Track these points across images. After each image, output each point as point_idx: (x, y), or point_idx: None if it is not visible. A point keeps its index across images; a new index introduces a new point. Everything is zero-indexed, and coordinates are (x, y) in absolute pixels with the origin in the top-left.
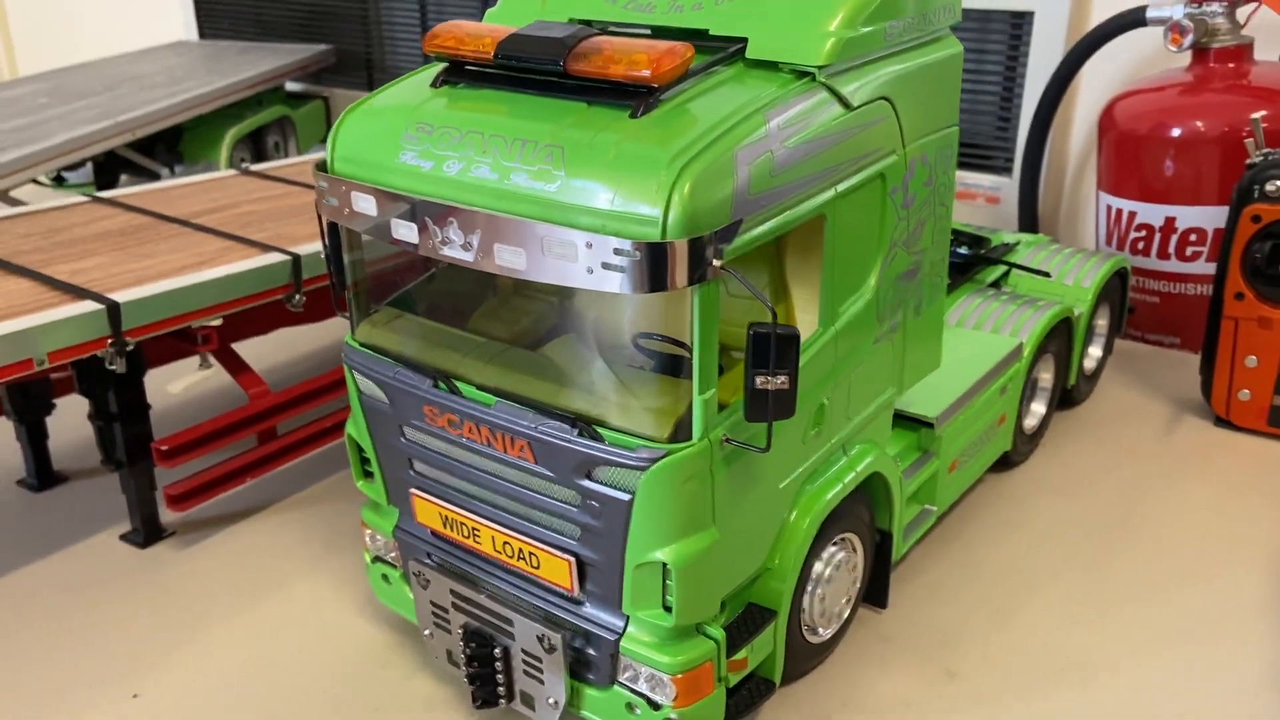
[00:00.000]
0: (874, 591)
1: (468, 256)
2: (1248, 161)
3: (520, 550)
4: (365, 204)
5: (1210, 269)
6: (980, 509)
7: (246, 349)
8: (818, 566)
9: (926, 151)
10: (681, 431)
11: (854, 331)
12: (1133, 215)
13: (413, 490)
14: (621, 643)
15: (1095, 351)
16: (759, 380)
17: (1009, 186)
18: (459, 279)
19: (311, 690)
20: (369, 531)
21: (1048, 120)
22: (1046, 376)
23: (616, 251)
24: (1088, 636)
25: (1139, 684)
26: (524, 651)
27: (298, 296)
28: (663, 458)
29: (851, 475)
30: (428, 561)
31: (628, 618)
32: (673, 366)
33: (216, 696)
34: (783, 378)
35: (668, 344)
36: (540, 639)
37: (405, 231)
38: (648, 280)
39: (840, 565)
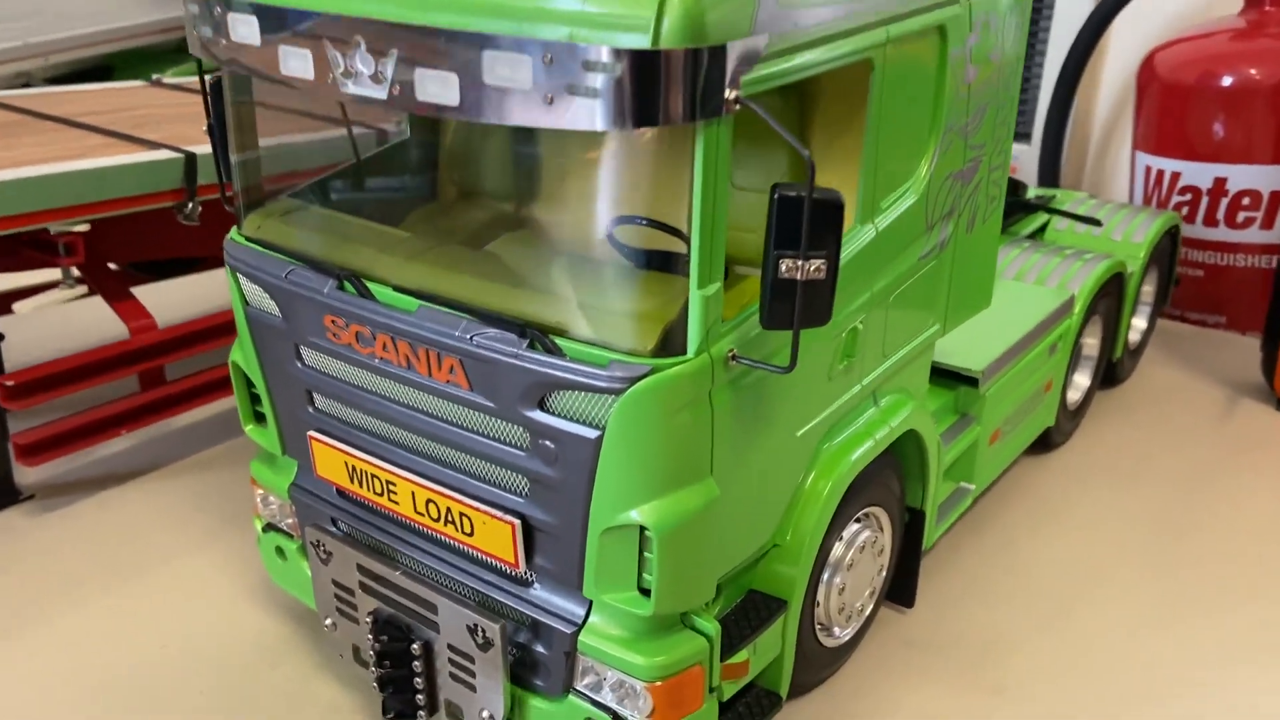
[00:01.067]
0: (898, 586)
1: (378, 92)
2: None
3: (449, 511)
4: (246, 29)
5: (1266, 237)
6: (1018, 494)
7: (154, 296)
8: (838, 548)
9: (994, 14)
10: (671, 343)
11: (898, 236)
12: (1176, 177)
13: (312, 434)
14: (581, 637)
15: (1140, 323)
16: (785, 266)
17: (1028, 154)
18: (388, 167)
19: (184, 693)
20: (260, 491)
21: (1074, 80)
22: (1092, 343)
23: (587, 67)
24: (1158, 647)
25: (1226, 707)
26: (451, 648)
27: (190, 205)
28: (645, 376)
29: (884, 431)
30: (331, 529)
31: (590, 604)
32: (660, 260)
33: (60, 699)
34: (818, 262)
35: (656, 230)
36: (473, 631)
37: (297, 64)
38: (631, 109)
39: (865, 547)
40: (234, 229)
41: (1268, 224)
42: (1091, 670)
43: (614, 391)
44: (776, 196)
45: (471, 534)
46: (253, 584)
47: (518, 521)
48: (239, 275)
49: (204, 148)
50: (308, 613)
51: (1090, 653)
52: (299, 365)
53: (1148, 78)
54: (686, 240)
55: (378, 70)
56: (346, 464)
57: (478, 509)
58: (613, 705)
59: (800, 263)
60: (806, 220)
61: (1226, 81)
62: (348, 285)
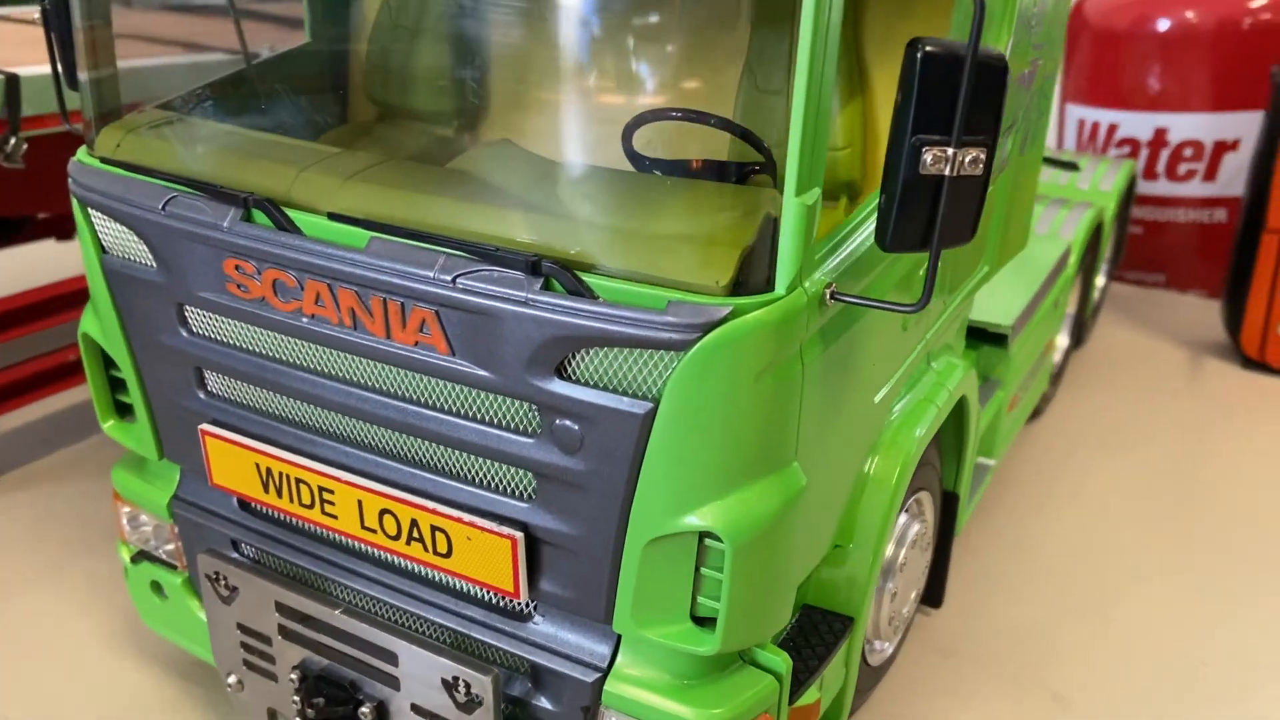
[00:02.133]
0: (927, 583)
1: None
2: None
3: (414, 525)
4: None
5: (1207, 190)
6: (1015, 470)
7: None
8: (889, 546)
9: None
10: (753, 275)
11: None
12: (1113, 128)
13: (205, 428)
14: (606, 685)
15: (1099, 280)
16: (930, 157)
17: None
18: (291, 79)
19: None
20: (126, 509)
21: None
22: (1071, 299)
23: None
24: (1219, 634)
25: None
26: (416, 710)
27: (13, 140)
28: (722, 321)
29: (944, 397)
30: (233, 555)
31: (618, 640)
32: (723, 170)
33: None
34: (975, 151)
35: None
36: (450, 685)
37: None
38: None
39: (915, 542)
40: (81, 149)
41: (1209, 175)
42: (1152, 668)
43: (676, 345)
44: (920, 55)
45: (449, 554)
46: (118, 630)
47: (519, 535)
48: (91, 210)
49: (31, 70)
50: (200, 667)
51: (1142, 646)
52: (184, 334)
53: (1078, 25)
54: (757, 142)
55: None
56: (258, 466)
57: (459, 520)
58: None
59: (951, 152)
60: (965, 90)
61: (1163, 26)
62: (258, 215)
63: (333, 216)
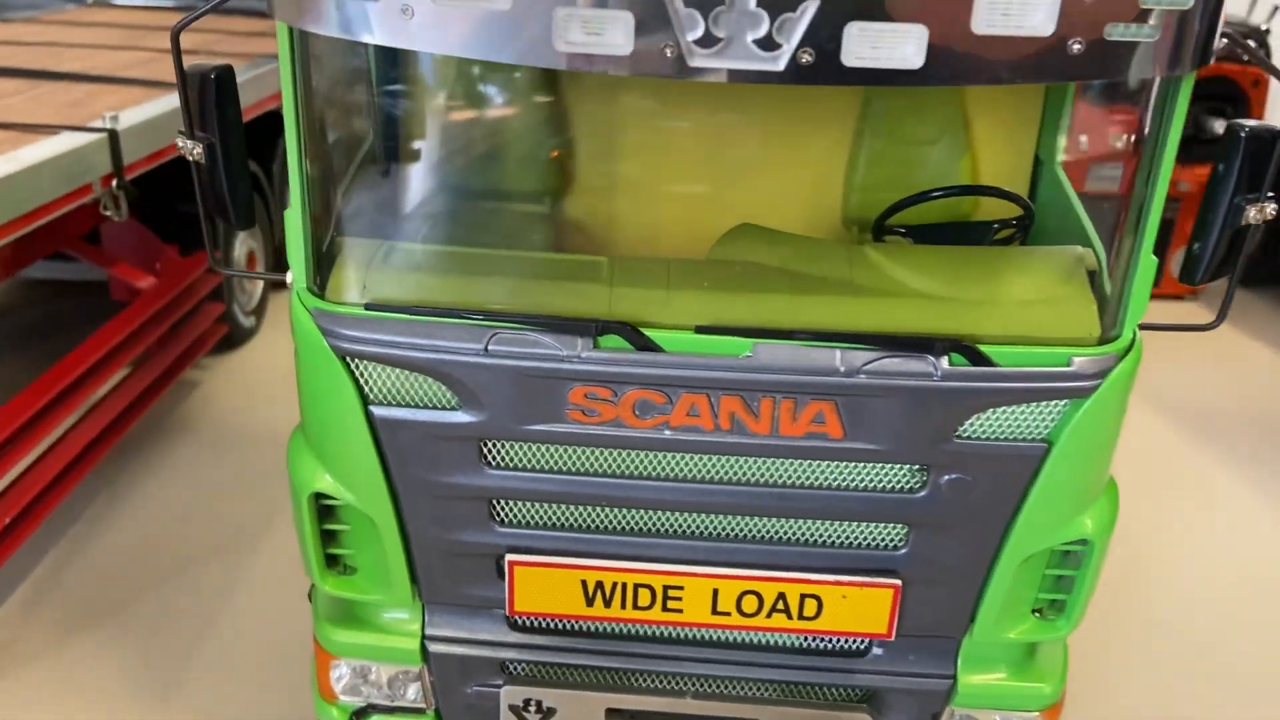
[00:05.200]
0: None
1: (766, 62)
2: None
3: (781, 598)
4: None
5: None
6: None
7: None
8: None
9: None
10: (1112, 324)
11: None
12: None
13: (514, 559)
14: (957, 689)
15: None
16: (1253, 212)
17: None
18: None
19: None
20: (348, 667)
21: None
22: None
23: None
24: None
25: None
26: None
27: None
28: (1113, 367)
29: None
30: (547, 677)
31: (957, 649)
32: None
33: None
34: (1272, 206)
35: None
36: None
37: (596, 34)
38: (1189, 51)
39: None
40: (297, 296)
41: None
42: None
43: (1081, 393)
44: (1244, 135)
45: (816, 616)
46: None
47: (898, 582)
48: (360, 364)
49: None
50: None
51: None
52: (487, 470)
53: None
54: (1026, 204)
55: (772, 31)
56: (584, 583)
57: (835, 583)
58: None
59: (1266, 206)
60: (1277, 158)
61: None
62: (610, 339)
63: (701, 329)
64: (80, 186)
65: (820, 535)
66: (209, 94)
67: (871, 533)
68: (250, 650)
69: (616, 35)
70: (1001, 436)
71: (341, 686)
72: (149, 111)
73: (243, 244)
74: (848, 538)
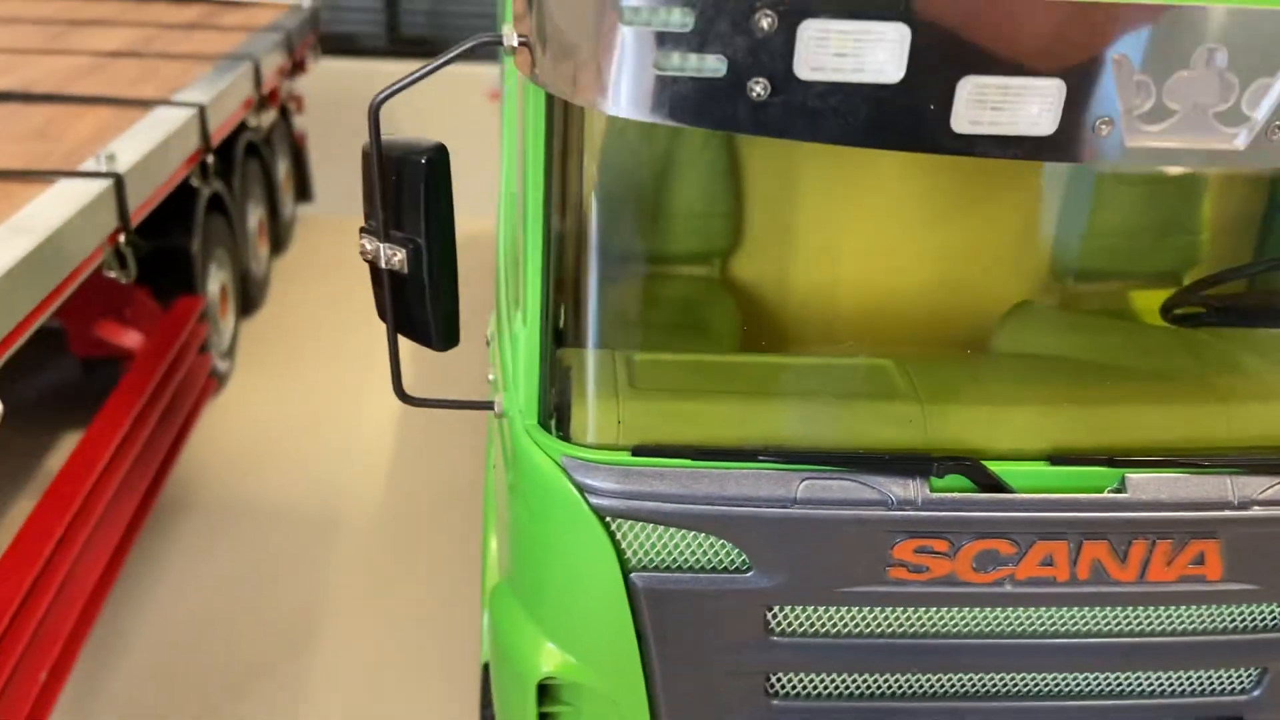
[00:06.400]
0: None
1: (1223, 139)
2: None
3: None
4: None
5: None
6: None
7: None
8: None
9: None
10: None
11: None
12: None
13: None
14: None
15: None
16: None
17: None
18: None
19: None
20: None
21: None
22: None
23: None
24: None
25: None
26: None
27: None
28: None
29: None
30: None
31: None
32: None
33: None
34: None
35: None
36: None
37: (1003, 114)
38: None
39: None
40: (536, 443)
41: None
42: None
43: None
44: None
45: None
46: None
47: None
48: (620, 524)
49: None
50: None
51: None
52: (774, 639)
53: None
54: None
55: (1239, 101)
56: None
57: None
58: None
59: None
60: None
61: None
62: (953, 479)
63: (1056, 461)
64: (94, 250)
65: (1160, 686)
66: (418, 182)
67: (1220, 679)
68: None
69: (1032, 110)
70: None
71: None
72: (142, 145)
73: (214, 278)
74: (1193, 686)
